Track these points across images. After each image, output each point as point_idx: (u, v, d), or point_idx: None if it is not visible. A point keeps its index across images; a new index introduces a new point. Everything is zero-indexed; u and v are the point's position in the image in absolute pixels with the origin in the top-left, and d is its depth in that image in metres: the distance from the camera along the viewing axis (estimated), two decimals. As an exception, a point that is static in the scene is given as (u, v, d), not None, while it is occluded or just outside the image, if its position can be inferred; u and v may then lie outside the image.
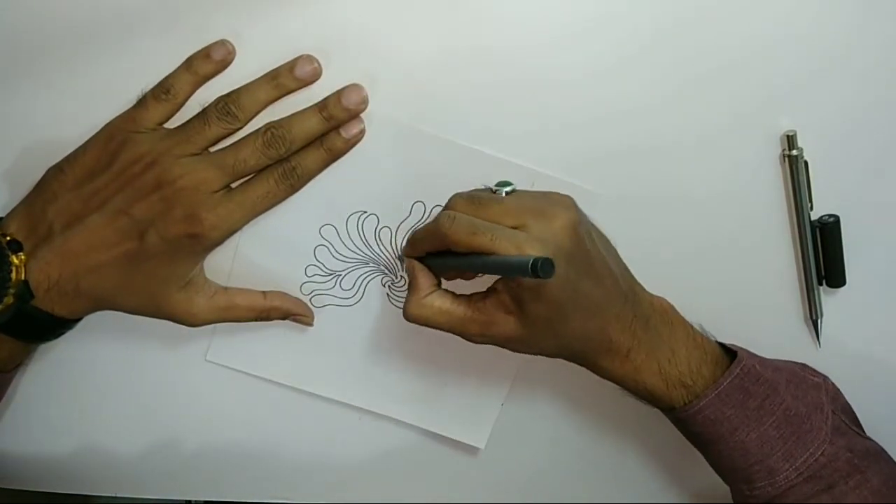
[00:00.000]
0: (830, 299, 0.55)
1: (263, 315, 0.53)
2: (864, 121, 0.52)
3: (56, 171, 0.49)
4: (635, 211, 0.54)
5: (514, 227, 0.45)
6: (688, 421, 0.50)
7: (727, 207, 0.54)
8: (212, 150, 0.49)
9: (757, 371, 0.49)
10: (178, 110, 0.49)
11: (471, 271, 0.48)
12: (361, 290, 0.55)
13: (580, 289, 0.46)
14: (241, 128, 0.49)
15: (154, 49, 0.49)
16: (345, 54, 0.50)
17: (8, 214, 0.49)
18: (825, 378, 0.53)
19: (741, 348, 0.51)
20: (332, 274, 0.54)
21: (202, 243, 0.49)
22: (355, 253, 0.54)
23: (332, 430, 0.59)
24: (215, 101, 0.49)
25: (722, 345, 0.52)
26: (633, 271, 0.51)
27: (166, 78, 0.49)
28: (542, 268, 0.40)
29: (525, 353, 0.49)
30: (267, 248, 0.53)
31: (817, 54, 0.50)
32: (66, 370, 0.56)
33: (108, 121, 0.49)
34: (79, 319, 0.52)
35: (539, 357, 0.49)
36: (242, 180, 0.50)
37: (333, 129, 0.50)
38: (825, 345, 0.56)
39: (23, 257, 0.47)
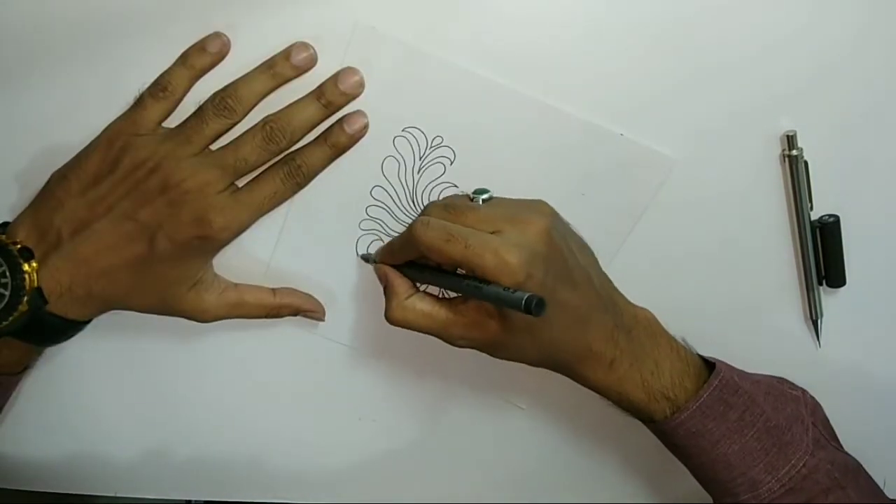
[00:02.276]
0: (830, 299, 0.55)
1: (273, 312, 0.53)
2: (864, 121, 0.52)
3: (60, 178, 0.49)
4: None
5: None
6: (669, 433, 0.50)
7: (727, 207, 0.54)
8: (214, 146, 0.49)
9: (735, 383, 0.49)
10: (176, 107, 0.49)
11: (460, 293, 0.48)
12: None
13: (557, 296, 0.46)
14: (239, 121, 0.49)
15: (156, 48, 0.49)
16: (339, 41, 0.49)
17: (14, 222, 0.49)
18: (804, 391, 0.53)
19: (720, 361, 0.51)
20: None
21: (212, 245, 0.49)
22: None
23: (332, 430, 0.59)
24: (211, 96, 0.49)
25: (701, 357, 0.52)
26: (632, 271, 0.51)
27: (162, 75, 0.49)
28: (535, 306, 0.41)
29: (506, 359, 0.49)
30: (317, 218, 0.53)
31: (817, 55, 0.50)
32: (66, 371, 0.56)
33: (110, 121, 0.49)
34: (90, 320, 0.52)
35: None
36: (248, 177, 0.49)
37: (332, 114, 0.49)
38: (825, 345, 0.56)
39: (34, 265, 0.47)
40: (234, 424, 0.59)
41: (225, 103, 0.48)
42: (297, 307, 0.54)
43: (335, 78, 0.49)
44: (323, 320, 0.55)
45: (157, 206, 0.47)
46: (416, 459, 0.60)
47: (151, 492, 0.60)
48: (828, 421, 0.52)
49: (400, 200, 0.52)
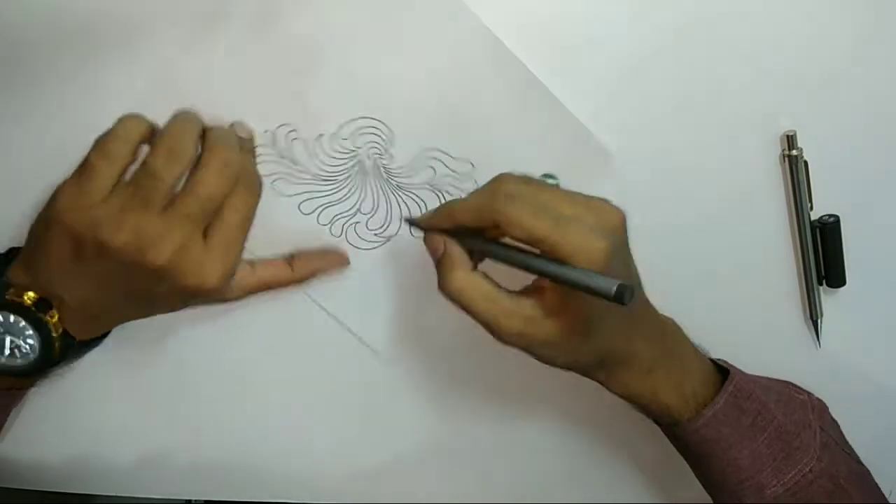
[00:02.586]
0: (830, 299, 0.55)
1: (295, 283, 0.52)
2: (864, 121, 0.52)
3: (41, 245, 0.46)
4: (635, 211, 0.53)
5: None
6: (684, 438, 0.49)
7: (727, 207, 0.54)
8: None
9: (748, 388, 0.49)
10: (127, 165, 0.45)
11: (531, 272, 0.43)
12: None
13: None
14: (194, 159, 0.45)
15: (156, 49, 0.49)
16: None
17: (14, 275, 0.47)
18: (810, 395, 0.52)
19: (731, 365, 0.51)
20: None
21: (211, 296, 0.48)
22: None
23: (333, 430, 0.59)
24: (152, 149, 0.45)
25: (713, 362, 0.51)
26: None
27: (103, 140, 0.45)
28: (627, 294, 0.38)
29: (550, 360, 0.46)
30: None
31: (818, 55, 0.50)
32: (66, 371, 0.56)
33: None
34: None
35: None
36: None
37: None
38: (825, 345, 0.56)
39: (54, 314, 0.46)
40: (234, 424, 0.59)
41: (159, 167, 0.44)
42: (316, 269, 0.52)
43: None
44: (348, 265, 0.53)
45: (148, 276, 0.45)
46: (416, 460, 0.60)
47: (151, 492, 0.60)
48: (836, 423, 0.52)
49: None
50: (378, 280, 0.55)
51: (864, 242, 0.54)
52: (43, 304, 0.46)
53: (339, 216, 0.53)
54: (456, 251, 0.44)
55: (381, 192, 0.53)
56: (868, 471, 0.51)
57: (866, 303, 0.56)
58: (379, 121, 0.51)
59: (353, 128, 0.51)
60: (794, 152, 0.51)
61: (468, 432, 0.59)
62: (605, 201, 0.43)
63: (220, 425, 0.59)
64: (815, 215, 0.53)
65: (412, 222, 0.47)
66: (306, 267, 0.52)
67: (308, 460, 0.60)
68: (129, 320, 0.51)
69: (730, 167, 0.53)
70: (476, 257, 0.45)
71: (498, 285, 0.44)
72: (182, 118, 0.46)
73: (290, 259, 0.52)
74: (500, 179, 0.43)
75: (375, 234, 0.53)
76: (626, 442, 0.60)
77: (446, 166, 0.52)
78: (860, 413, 0.53)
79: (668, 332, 0.49)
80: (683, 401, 0.48)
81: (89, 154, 0.45)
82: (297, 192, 0.52)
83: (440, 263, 0.44)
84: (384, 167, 0.52)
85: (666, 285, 0.54)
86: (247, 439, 0.59)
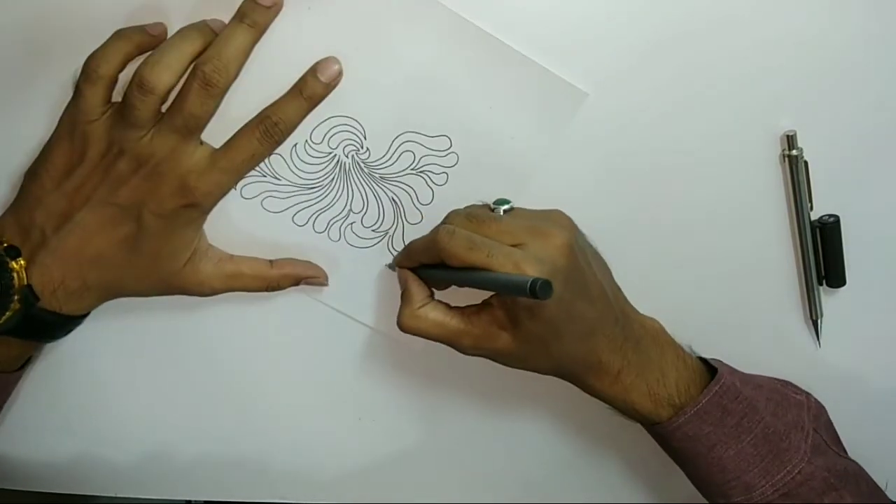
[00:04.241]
0: (830, 299, 0.55)
1: (273, 284, 0.52)
2: (864, 121, 0.52)
3: (32, 176, 0.48)
4: (635, 211, 0.54)
5: (512, 246, 0.46)
6: (666, 436, 0.50)
7: (727, 207, 0.54)
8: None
9: (736, 389, 0.50)
10: (114, 84, 0.47)
11: (468, 286, 0.48)
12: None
13: (574, 309, 0.46)
14: (170, 91, 0.46)
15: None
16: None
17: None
18: (808, 395, 0.53)
19: (723, 365, 0.51)
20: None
21: (198, 210, 0.48)
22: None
23: (333, 431, 0.59)
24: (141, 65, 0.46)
25: (705, 361, 0.52)
26: (632, 271, 0.51)
27: (92, 57, 0.46)
28: (540, 288, 0.40)
29: (517, 367, 0.49)
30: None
31: (817, 54, 0.50)
32: (66, 370, 0.56)
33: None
34: (88, 313, 0.51)
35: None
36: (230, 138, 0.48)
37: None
38: (825, 345, 0.56)
39: (22, 262, 0.47)
40: (234, 424, 0.59)
41: (149, 78, 0.45)
42: (297, 276, 0.53)
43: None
44: (326, 285, 0.54)
45: (135, 185, 0.47)
46: (416, 460, 0.60)
47: (151, 492, 0.60)
48: (831, 425, 0.52)
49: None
50: (385, 276, 0.55)
51: (864, 242, 0.54)
52: (12, 250, 0.47)
53: (334, 220, 0.53)
54: (412, 288, 0.50)
55: (367, 187, 0.52)
56: (864, 471, 0.51)
57: (866, 303, 0.56)
58: (347, 116, 0.50)
59: (324, 130, 0.51)
60: (794, 152, 0.51)
61: (468, 432, 0.59)
62: (554, 221, 0.47)
63: (221, 425, 0.59)
64: (815, 215, 0.53)
65: (390, 266, 0.54)
66: (287, 267, 0.53)
67: (308, 461, 0.60)
68: (107, 280, 0.49)
69: (730, 167, 0.53)
70: (442, 285, 0.51)
71: (450, 308, 0.49)
72: (178, 35, 0.47)
73: (272, 261, 0.53)
74: (445, 218, 0.50)
75: (373, 231, 0.53)
76: (626, 443, 0.60)
77: (424, 146, 0.51)
78: (860, 413, 0.53)
79: (644, 338, 0.50)
80: (657, 404, 0.49)
81: (78, 79, 0.47)
82: (287, 206, 0.52)
83: (401, 300, 0.50)
84: (364, 162, 0.52)
85: (666, 285, 0.54)
86: (246, 440, 0.59)
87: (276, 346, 0.57)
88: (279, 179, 0.52)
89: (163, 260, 0.49)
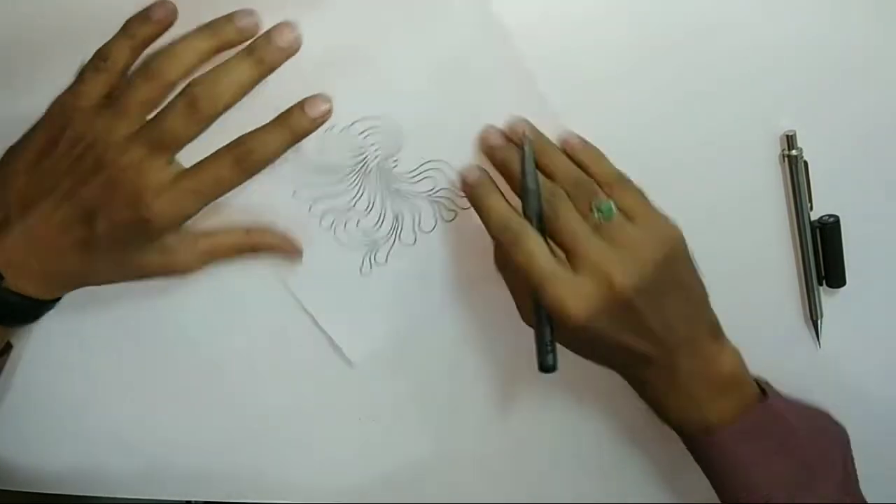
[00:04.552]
0: (830, 299, 0.55)
1: (248, 249, 0.51)
2: (864, 121, 0.52)
3: (7, 156, 0.48)
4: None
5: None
6: (703, 448, 0.49)
7: (727, 208, 0.54)
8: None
9: (780, 413, 0.49)
10: (118, 79, 0.47)
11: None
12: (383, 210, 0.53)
13: (620, 338, 0.46)
14: (174, 84, 0.46)
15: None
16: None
17: None
18: (843, 430, 0.52)
19: (771, 388, 0.51)
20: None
21: (152, 229, 0.47)
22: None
23: (332, 431, 0.59)
24: (141, 58, 0.47)
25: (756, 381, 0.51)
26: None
27: (103, 46, 0.46)
28: (542, 369, 0.44)
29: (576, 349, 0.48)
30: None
31: (817, 55, 0.50)
32: (64, 370, 0.56)
33: None
34: (57, 299, 0.51)
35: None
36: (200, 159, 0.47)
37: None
38: (825, 345, 0.56)
39: None
40: (234, 425, 0.59)
41: (154, 65, 0.45)
42: (271, 245, 0.52)
43: (269, 33, 0.46)
44: (300, 259, 0.53)
45: (95, 184, 0.46)
46: (416, 460, 0.60)
47: (151, 492, 0.60)
48: (853, 464, 0.52)
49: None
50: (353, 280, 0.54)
51: (864, 242, 0.54)
52: None
53: (333, 210, 0.52)
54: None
55: (378, 193, 0.52)
56: None
57: (866, 303, 0.56)
58: (395, 122, 0.50)
59: (367, 124, 0.50)
60: (794, 152, 0.51)
61: (468, 432, 0.59)
62: (648, 244, 0.46)
63: (220, 426, 0.59)
64: (815, 215, 0.53)
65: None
66: (263, 236, 0.51)
67: (309, 461, 0.60)
68: (70, 272, 0.49)
69: (730, 167, 0.53)
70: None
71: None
72: (188, 35, 0.46)
73: (248, 229, 0.51)
74: (550, 197, 0.47)
75: (363, 235, 0.53)
76: (631, 445, 0.60)
77: (448, 178, 0.51)
78: (860, 413, 0.53)
79: (709, 369, 0.49)
80: (701, 420, 0.48)
81: (85, 65, 0.47)
82: (295, 178, 0.51)
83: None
84: (388, 170, 0.52)
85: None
86: (247, 440, 0.59)
87: (276, 346, 0.57)
88: (298, 151, 0.49)
89: (123, 260, 0.48)
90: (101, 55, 0.46)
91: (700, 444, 0.49)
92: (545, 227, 0.46)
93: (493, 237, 0.47)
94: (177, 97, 0.46)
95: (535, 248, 0.45)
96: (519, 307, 0.50)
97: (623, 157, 0.52)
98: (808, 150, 0.52)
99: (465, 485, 0.61)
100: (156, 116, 0.46)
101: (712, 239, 0.54)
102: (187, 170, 0.47)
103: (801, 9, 0.49)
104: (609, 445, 0.60)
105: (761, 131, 0.52)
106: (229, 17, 0.46)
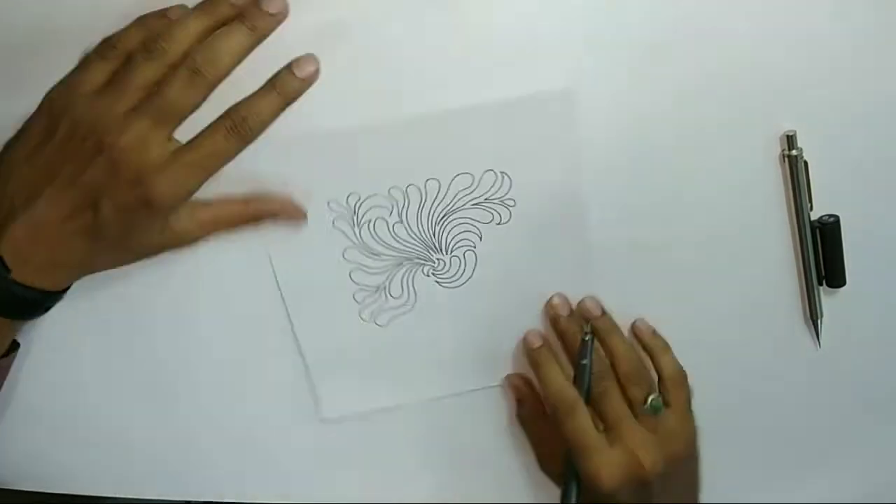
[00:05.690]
0: (830, 299, 0.55)
1: (249, 218, 0.51)
2: (864, 121, 0.52)
3: (7, 147, 0.47)
4: (635, 211, 0.54)
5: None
6: None
7: (727, 207, 0.53)
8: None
9: None
10: (119, 66, 0.46)
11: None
12: (410, 290, 0.54)
13: None
14: (174, 63, 0.46)
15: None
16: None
17: None
18: None
19: None
20: (377, 289, 0.54)
21: (157, 208, 0.47)
22: (384, 259, 0.53)
23: (332, 431, 0.59)
24: (142, 40, 0.46)
25: None
26: (632, 272, 0.51)
27: (113, 34, 0.46)
28: None
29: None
30: (312, 298, 0.54)
31: (817, 54, 0.50)
32: (65, 370, 0.56)
33: None
34: (65, 290, 0.50)
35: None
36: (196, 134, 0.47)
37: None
38: (825, 345, 0.56)
39: None
40: (234, 424, 0.59)
41: (155, 44, 0.45)
42: (271, 211, 0.51)
43: (258, 1, 0.46)
44: (305, 221, 0.52)
45: (97, 168, 0.45)
46: (416, 460, 0.60)
47: (151, 492, 0.60)
48: None
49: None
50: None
51: (864, 242, 0.54)
52: None
53: (366, 288, 0.54)
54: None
55: (413, 286, 0.54)
56: None
57: (866, 303, 0.56)
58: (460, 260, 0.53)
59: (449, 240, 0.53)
60: (794, 152, 0.51)
61: (469, 433, 0.59)
62: (676, 441, 0.52)
63: (220, 425, 0.59)
64: (815, 215, 0.53)
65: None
66: (264, 203, 0.51)
67: (308, 461, 0.60)
68: (76, 259, 0.48)
69: (729, 167, 0.53)
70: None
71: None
72: (185, 15, 0.46)
73: (247, 199, 0.51)
74: (596, 379, 0.52)
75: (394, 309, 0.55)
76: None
77: None
78: (859, 413, 0.53)
79: None
80: None
81: (90, 52, 0.47)
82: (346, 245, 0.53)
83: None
84: (431, 274, 0.53)
85: (666, 285, 0.54)
86: (247, 440, 0.59)
87: (276, 346, 0.57)
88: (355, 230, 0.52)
89: (129, 241, 0.48)
90: (110, 43, 0.46)
91: None
92: (589, 398, 0.51)
93: (548, 404, 0.53)
94: (180, 67, 0.45)
95: (586, 423, 0.50)
96: (539, 458, 0.57)
97: (623, 157, 0.52)
98: (808, 150, 0.52)
99: (465, 484, 0.61)
100: (157, 89, 0.46)
101: (712, 239, 0.54)
102: (185, 145, 0.47)
103: (801, 9, 0.49)
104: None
105: (761, 131, 0.52)
106: None
